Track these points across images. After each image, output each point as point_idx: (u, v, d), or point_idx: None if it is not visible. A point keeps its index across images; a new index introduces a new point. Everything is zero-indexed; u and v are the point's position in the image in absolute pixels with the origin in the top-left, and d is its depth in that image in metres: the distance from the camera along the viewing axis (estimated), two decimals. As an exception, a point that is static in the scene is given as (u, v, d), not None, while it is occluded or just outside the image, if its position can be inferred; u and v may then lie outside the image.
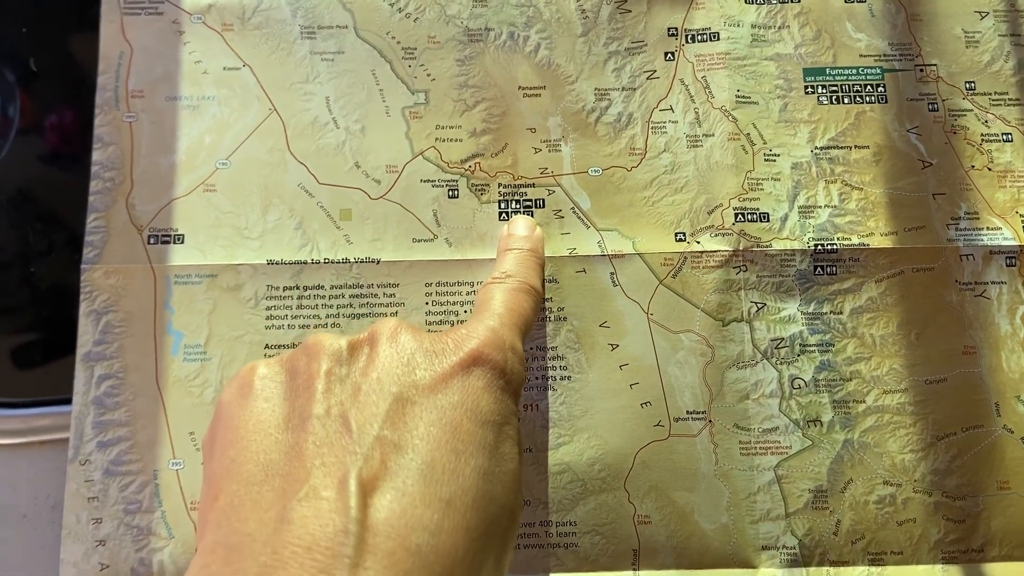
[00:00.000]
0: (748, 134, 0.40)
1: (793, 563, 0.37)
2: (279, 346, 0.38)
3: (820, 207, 0.39)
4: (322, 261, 0.39)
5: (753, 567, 0.37)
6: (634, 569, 0.37)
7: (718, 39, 0.41)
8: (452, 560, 0.24)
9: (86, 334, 0.38)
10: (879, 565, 0.37)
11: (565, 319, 0.38)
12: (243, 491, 0.25)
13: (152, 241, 0.39)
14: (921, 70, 0.41)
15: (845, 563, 0.37)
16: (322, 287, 0.39)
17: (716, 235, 0.39)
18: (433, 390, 0.27)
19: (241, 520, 0.24)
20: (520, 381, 0.30)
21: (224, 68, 0.41)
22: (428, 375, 0.27)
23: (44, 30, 0.46)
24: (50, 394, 0.42)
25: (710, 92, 0.40)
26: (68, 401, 0.37)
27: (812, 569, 0.37)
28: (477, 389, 0.28)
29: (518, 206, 0.40)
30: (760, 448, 0.38)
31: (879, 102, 0.41)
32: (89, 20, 0.42)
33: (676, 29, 0.41)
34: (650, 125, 0.40)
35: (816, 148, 0.40)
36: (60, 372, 0.41)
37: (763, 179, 0.39)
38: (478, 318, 0.31)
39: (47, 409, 0.41)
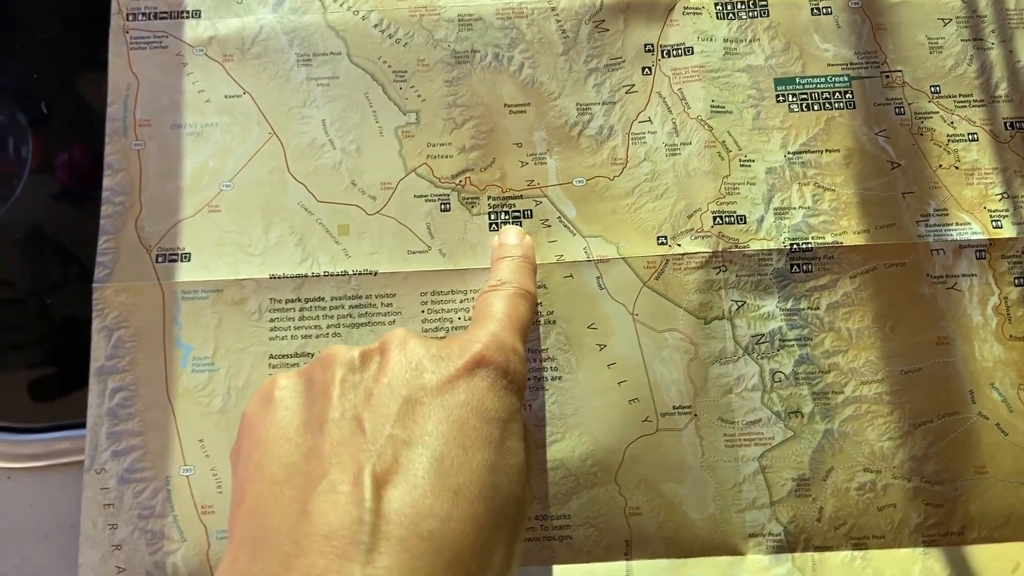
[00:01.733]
0: (723, 141, 0.42)
1: (779, 549, 0.38)
2: (283, 356, 0.40)
3: (794, 208, 0.41)
4: (322, 274, 0.41)
5: (741, 554, 0.38)
6: (627, 559, 0.38)
7: (692, 53, 0.43)
8: (461, 546, 0.26)
9: (99, 349, 0.40)
10: (862, 549, 0.38)
11: (555, 322, 0.40)
12: (267, 491, 0.27)
13: (160, 260, 0.41)
14: (887, 76, 0.43)
15: (829, 548, 0.38)
16: (323, 299, 0.41)
17: (696, 238, 0.41)
18: (440, 391, 0.29)
19: (265, 516, 0.26)
20: (523, 380, 0.32)
21: (225, 96, 0.43)
22: (435, 378, 0.29)
23: (53, 73, 0.48)
24: (66, 419, 0.44)
25: (686, 103, 0.43)
26: (84, 425, 0.39)
27: (797, 555, 0.38)
28: (482, 389, 0.30)
29: (507, 217, 0.42)
30: (744, 440, 0.39)
31: (847, 108, 0.43)
32: (96, 63, 0.45)
33: (652, 45, 0.44)
34: (630, 136, 0.42)
35: (789, 153, 0.42)
36: (75, 401, 0.43)
37: (739, 183, 0.41)
38: (480, 324, 0.33)
39: (65, 433, 0.42)
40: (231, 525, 0.28)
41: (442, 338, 0.40)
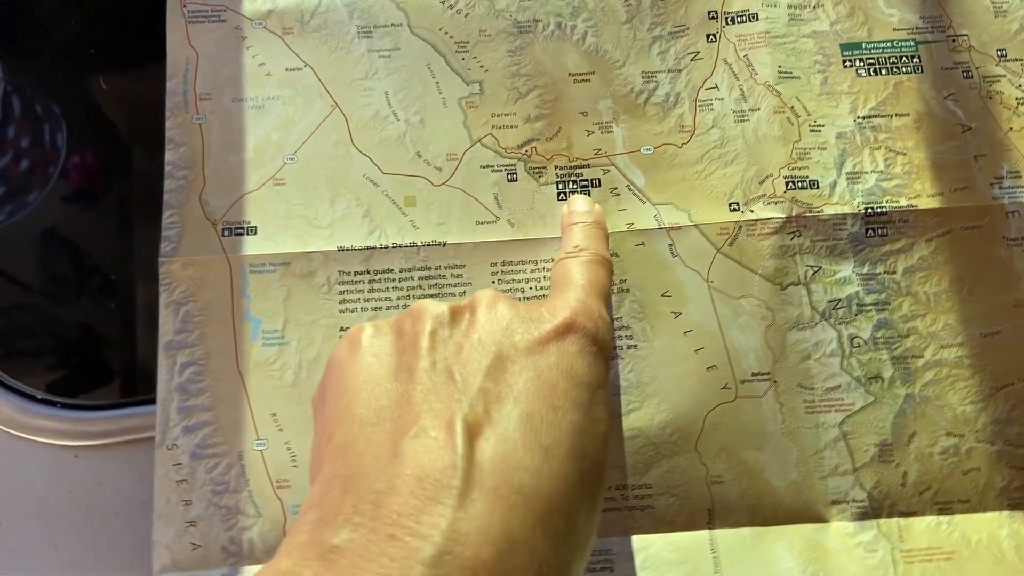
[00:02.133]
0: (792, 107, 0.42)
1: (863, 516, 0.38)
2: (353, 329, 0.39)
3: (867, 172, 0.41)
4: (390, 246, 0.40)
5: (825, 521, 0.38)
6: (709, 528, 0.38)
7: (757, 19, 0.43)
8: (551, 502, 0.25)
9: (167, 324, 0.39)
10: (947, 514, 0.38)
11: (628, 290, 0.40)
12: (357, 431, 0.27)
13: (226, 233, 0.40)
14: (953, 40, 0.43)
15: (914, 514, 0.38)
16: (392, 271, 0.40)
17: (769, 203, 0.40)
18: (531, 352, 0.29)
19: (356, 455, 0.26)
20: (610, 347, 0.32)
21: (286, 69, 0.42)
22: (525, 338, 0.29)
23: (68, 73, 0.48)
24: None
25: (753, 69, 0.42)
26: (153, 402, 0.39)
27: (882, 521, 0.38)
28: (572, 353, 0.29)
29: (575, 186, 0.41)
30: (824, 406, 0.39)
31: (915, 72, 0.42)
32: (108, 65, 0.45)
33: (716, 12, 0.43)
34: (697, 103, 0.42)
35: (858, 118, 0.42)
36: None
37: (810, 148, 0.41)
38: (564, 290, 0.33)
39: (133, 409, 0.42)
40: (315, 465, 0.28)
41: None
